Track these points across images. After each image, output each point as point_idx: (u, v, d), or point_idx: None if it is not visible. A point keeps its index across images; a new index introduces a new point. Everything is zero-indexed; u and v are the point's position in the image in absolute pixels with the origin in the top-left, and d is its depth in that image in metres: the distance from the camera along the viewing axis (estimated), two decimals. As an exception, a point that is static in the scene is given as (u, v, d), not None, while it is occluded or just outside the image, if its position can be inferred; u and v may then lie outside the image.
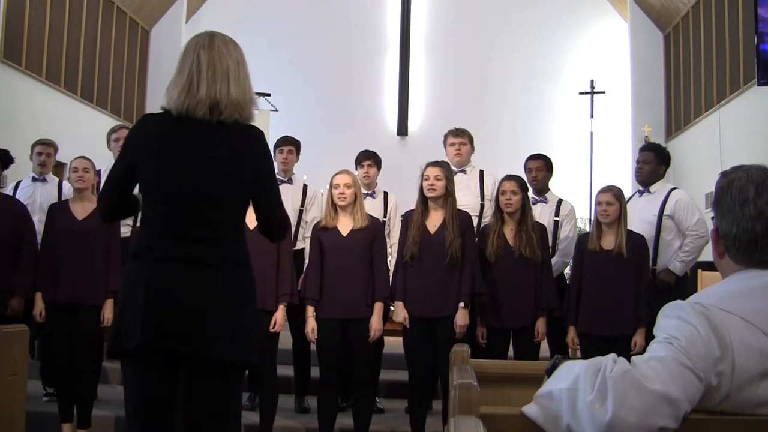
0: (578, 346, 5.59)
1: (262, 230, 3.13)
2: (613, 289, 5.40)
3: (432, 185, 5.36)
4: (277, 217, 3.11)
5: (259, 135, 3.01)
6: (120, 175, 3.00)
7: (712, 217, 2.03)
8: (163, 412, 2.91)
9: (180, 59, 2.97)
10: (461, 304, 5.26)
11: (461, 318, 5.25)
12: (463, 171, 6.47)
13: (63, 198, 6.66)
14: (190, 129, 2.90)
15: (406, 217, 5.54)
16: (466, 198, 6.14)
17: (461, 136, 6.52)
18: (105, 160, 7.04)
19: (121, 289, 2.99)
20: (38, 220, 6.01)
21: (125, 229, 6.18)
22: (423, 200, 5.44)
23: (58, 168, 8.88)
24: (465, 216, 5.50)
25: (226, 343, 2.86)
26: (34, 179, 6.89)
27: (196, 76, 2.88)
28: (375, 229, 5.45)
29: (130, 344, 2.82)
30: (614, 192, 5.56)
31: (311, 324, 5.32)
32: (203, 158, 2.89)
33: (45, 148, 6.92)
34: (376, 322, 5.29)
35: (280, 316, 5.19)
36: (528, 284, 5.51)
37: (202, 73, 2.88)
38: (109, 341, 2.96)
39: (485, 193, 6.45)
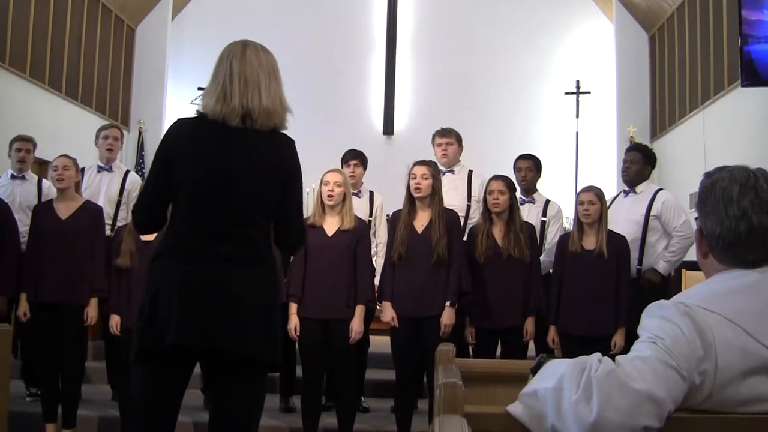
0: (558, 346, 5.61)
1: (278, 239, 3.14)
2: (593, 290, 5.42)
3: (418, 184, 5.36)
4: (297, 226, 3.16)
5: (290, 143, 3.09)
6: (158, 184, 3.02)
7: (696, 218, 2.03)
8: (173, 411, 2.97)
9: (215, 67, 3.04)
10: (447, 303, 5.27)
11: (447, 317, 5.25)
12: (452, 171, 6.48)
13: (43, 196, 6.61)
14: (225, 133, 2.95)
15: (394, 217, 5.54)
16: (454, 198, 6.14)
17: (448, 136, 6.52)
18: (90, 158, 7.02)
19: (149, 289, 2.97)
20: (18, 219, 5.95)
21: (107, 228, 6.16)
22: (410, 199, 5.43)
23: (42, 166, 8.84)
24: (452, 215, 5.50)
25: (260, 343, 2.89)
26: (13, 177, 6.80)
27: (229, 86, 2.95)
28: (361, 231, 5.45)
29: (164, 343, 2.82)
30: (595, 192, 5.58)
31: (294, 321, 5.31)
32: (236, 161, 2.94)
33: (24, 144, 6.82)
34: (356, 325, 5.28)
35: None
36: (517, 284, 5.52)
37: (234, 84, 2.95)
38: (137, 340, 2.93)
39: (472, 193, 6.45)
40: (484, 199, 5.66)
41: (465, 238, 5.78)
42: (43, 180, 6.95)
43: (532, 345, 5.87)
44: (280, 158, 3.03)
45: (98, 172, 6.70)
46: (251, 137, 2.96)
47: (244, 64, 2.97)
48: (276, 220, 3.08)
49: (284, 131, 3.08)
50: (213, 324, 2.83)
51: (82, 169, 6.45)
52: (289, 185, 3.05)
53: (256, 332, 2.88)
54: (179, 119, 3.12)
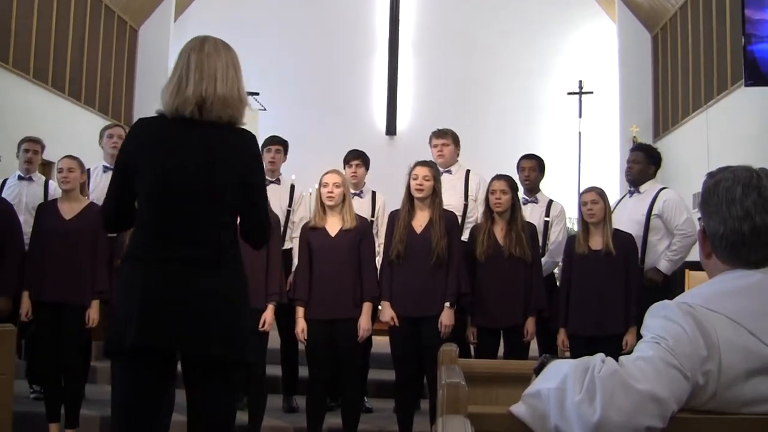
0: (568, 348, 5.61)
1: (244, 235, 3.13)
2: (601, 289, 5.42)
3: (420, 185, 5.36)
4: (260, 222, 3.13)
5: (250, 138, 3.05)
6: (118, 184, 3.03)
7: (699, 218, 2.03)
8: (150, 412, 2.95)
9: (175, 63, 3.03)
10: (447, 304, 5.27)
11: (447, 318, 5.26)
12: (449, 171, 6.47)
13: (49, 197, 6.62)
14: (183, 132, 2.94)
15: (393, 216, 5.54)
16: (451, 198, 6.13)
17: (443, 137, 6.52)
18: (93, 159, 7.01)
19: (116, 290, 3.01)
20: (23, 221, 5.96)
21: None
22: (410, 199, 5.44)
23: (46, 167, 8.85)
24: (451, 216, 5.52)
25: (222, 343, 2.88)
26: (20, 178, 6.83)
27: (185, 77, 2.94)
28: (363, 229, 5.46)
29: (125, 344, 2.83)
30: (597, 191, 5.58)
31: (301, 325, 5.32)
32: (195, 160, 2.92)
33: (32, 145, 6.86)
34: (364, 322, 5.29)
35: (269, 315, 5.20)
36: (518, 284, 5.52)
37: (190, 74, 2.93)
38: (105, 340, 2.97)
39: (469, 193, 6.45)
40: (486, 199, 5.66)
41: (464, 238, 5.79)
42: (50, 181, 6.96)
43: (534, 345, 5.86)
44: (239, 154, 2.99)
45: (104, 171, 6.68)
46: (207, 133, 2.94)
47: (201, 57, 2.96)
48: (240, 216, 3.07)
49: (242, 126, 3.05)
50: (174, 325, 2.83)
51: (88, 171, 6.46)
52: (250, 181, 3.02)
53: (220, 332, 2.87)
54: (140, 119, 3.13)
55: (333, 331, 5.31)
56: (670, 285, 6.08)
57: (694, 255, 4.67)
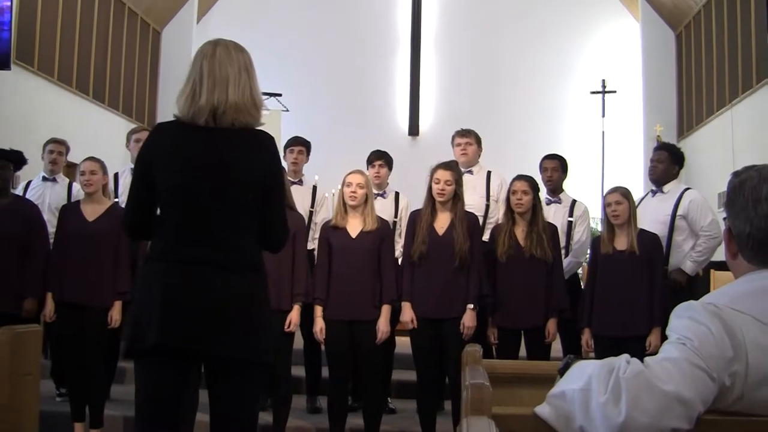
0: (592, 348, 5.58)
1: (261, 236, 3.11)
2: (626, 290, 5.38)
3: (442, 190, 5.36)
4: (277, 224, 3.12)
5: (268, 139, 3.06)
6: (138, 190, 3.07)
7: (724, 218, 2.02)
8: (172, 412, 2.97)
9: (189, 69, 3.06)
10: (470, 306, 5.27)
11: (469, 319, 5.26)
12: (470, 171, 6.45)
13: (72, 199, 6.67)
14: (201, 135, 2.96)
15: (413, 217, 5.54)
16: (472, 198, 6.12)
17: (467, 137, 6.52)
18: (117, 161, 7.07)
19: (137, 291, 3.04)
20: (46, 221, 6.01)
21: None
22: (431, 201, 5.43)
23: (71, 169, 8.92)
24: (472, 218, 5.51)
25: (242, 343, 2.90)
26: (44, 179, 6.91)
27: (198, 85, 2.96)
28: (384, 232, 5.46)
29: (146, 344, 2.86)
30: (621, 191, 5.54)
31: (320, 324, 5.34)
32: (214, 162, 2.94)
33: (57, 147, 6.96)
34: (383, 325, 5.29)
35: (295, 315, 5.22)
36: (539, 284, 5.50)
37: (203, 83, 2.96)
38: (126, 341, 3.00)
39: (491, 193, 6.44)
40: (507, 199, 5.65)
41: (485, 238, 5.77)
42: (73, 183, 7.01)
43: (558, 346, 5.84)
44: (256, 155, 3.00)
45: (132, 174, 6.73)
46: (226, 137, 2.96)
47: (213, 64, 2.98)
48: (260, 218, 3.07)
49: (260, 128, 3.06)
50: (194, 326, 2.85)
51: (116, 174, 6.51)
52: (270, 183, 3.02)
53: (239, 333, 2.89)
54: (159, 124, 3.16)
55: (352, 332, 5.32)
56: (695, 285, 6.04)
57: (719, 255, 4.65)
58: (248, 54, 3.10)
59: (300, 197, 6.20)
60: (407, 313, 5.36)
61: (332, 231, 5.43)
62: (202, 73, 2.97)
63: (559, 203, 6.45)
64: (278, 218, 3.11)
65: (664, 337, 1.86)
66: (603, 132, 12.62)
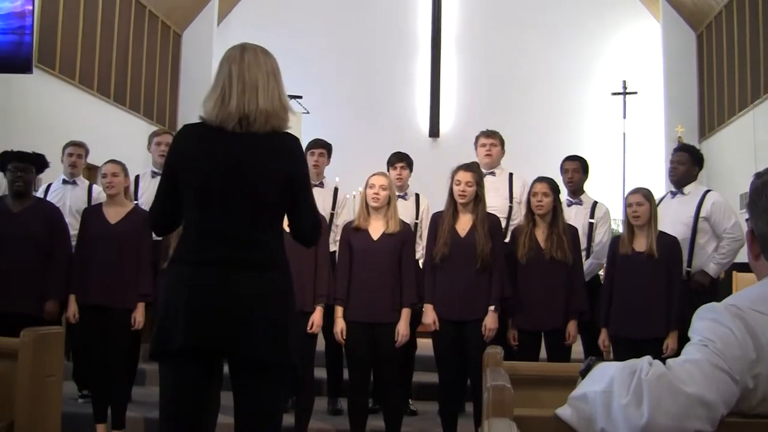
0: (609, 349, 5.56)
1: (294, 235, 3.19)
2: (645, 292, 5.36)
3: (463, 192, 5.35)
4: (308, 221, 3.16)
5: (294, 141, 3.09)
6: (165, 189, 3.09)
7: (747, 219, 2.01)
8: (197, 413, 2.99)
9: (216, 72, 3.08)
10: (491, 308, 5.26)
11: (491, 321, 5.25)
12: (492, 173, 6.45)
13: (93, 201, 6.72)
14: (224, 137, 2.98)
15: (435, 218, 5.54)
16: (495, 200, 6.12)
17: (492, 138, 6.53)
18: (139, 163, 7.10)
19: (163, 292, 3.06)
20: (67, 224, 6.05)
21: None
22: (453, 203, 5.43)
23: (91, 171, 8.98)
24: (494, 219, 5.50)
25: (267, 344, 2.91)
26: (64, 182, 6.95)
27: (227, 89, 2.98)
28: (405, 235, 5.45)
29: (173, 346, 2.89)
30: (643, 192, 5.52)
31: (340, 325, 5.34)
32: (240, 163, 2.96)
33: (76, 149, 7.01)
34: (403, 328, 5.29)
35: (317, 317, 5.23)
36: (559, 286, 5.48)
37: (233, 87, 2.98)
38: (151, 343, 3.02)
39: (514, 195, 6.44)
40: (528, 201, 5.64)
41: (507, 240, 5.76)
42: (94, 185, 7.06)
43: (579, 348, 5.82)
44: (283, 157, 3.02)
45: (152, 177, 6.75)
46: (251, 139, 2.98)
47: (242, 68, 3.00)
48: (288, 217, 3.12)
49: (287, 130, 3.09)
50: (220, 327, 2.87)
51: (137, 177, 6.54)
52: (297, 182, 3.06)
53: (265, 334, 2.91)
54: (185, 125, 3.17)
55: (372, 334, 5.32)
56: (717, 287, 6.01)
57: (742, 257, 4.62)
58: (274, 58, 3.13)
59: (321, 199, 6.20)
60: (429, 315, 5.35)
61: (354, 233, 5.43)
62: (231, 76, 2.99)
63: (580, 205, 6.43)
64: (310, 215, 3.15)
65: (681, 341, 1.85)
66: (624, 133, 12.56)
